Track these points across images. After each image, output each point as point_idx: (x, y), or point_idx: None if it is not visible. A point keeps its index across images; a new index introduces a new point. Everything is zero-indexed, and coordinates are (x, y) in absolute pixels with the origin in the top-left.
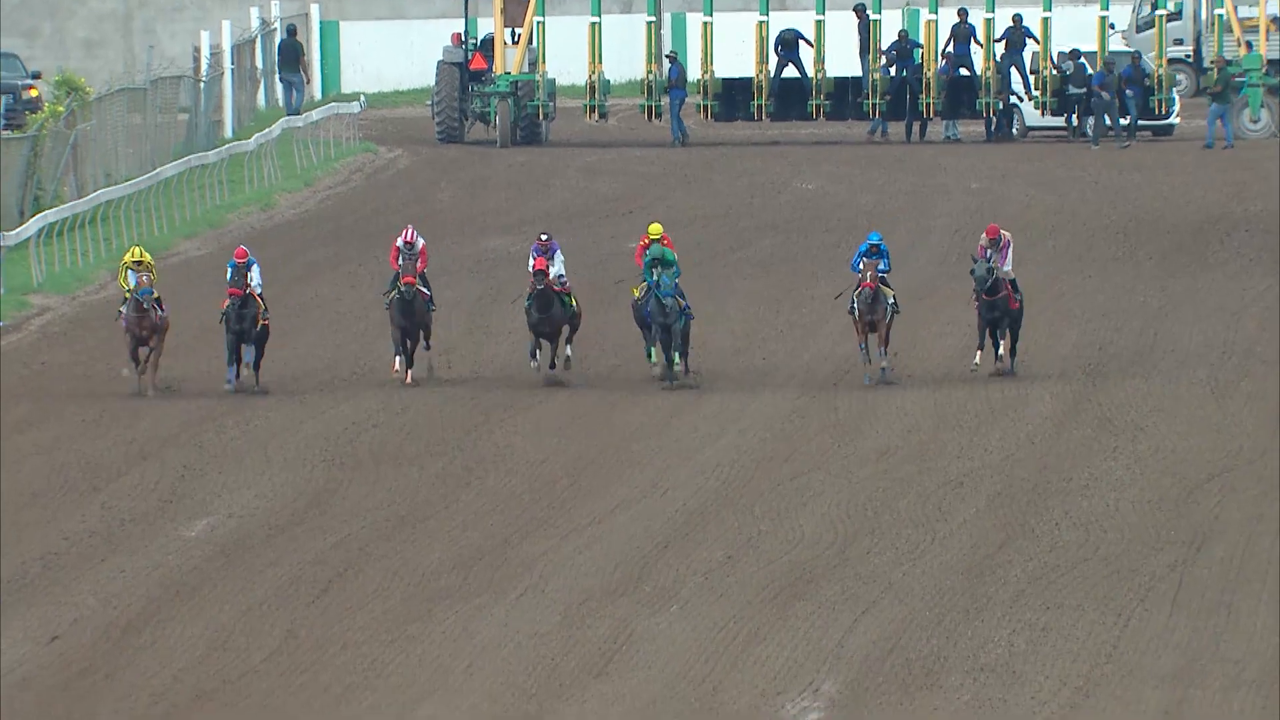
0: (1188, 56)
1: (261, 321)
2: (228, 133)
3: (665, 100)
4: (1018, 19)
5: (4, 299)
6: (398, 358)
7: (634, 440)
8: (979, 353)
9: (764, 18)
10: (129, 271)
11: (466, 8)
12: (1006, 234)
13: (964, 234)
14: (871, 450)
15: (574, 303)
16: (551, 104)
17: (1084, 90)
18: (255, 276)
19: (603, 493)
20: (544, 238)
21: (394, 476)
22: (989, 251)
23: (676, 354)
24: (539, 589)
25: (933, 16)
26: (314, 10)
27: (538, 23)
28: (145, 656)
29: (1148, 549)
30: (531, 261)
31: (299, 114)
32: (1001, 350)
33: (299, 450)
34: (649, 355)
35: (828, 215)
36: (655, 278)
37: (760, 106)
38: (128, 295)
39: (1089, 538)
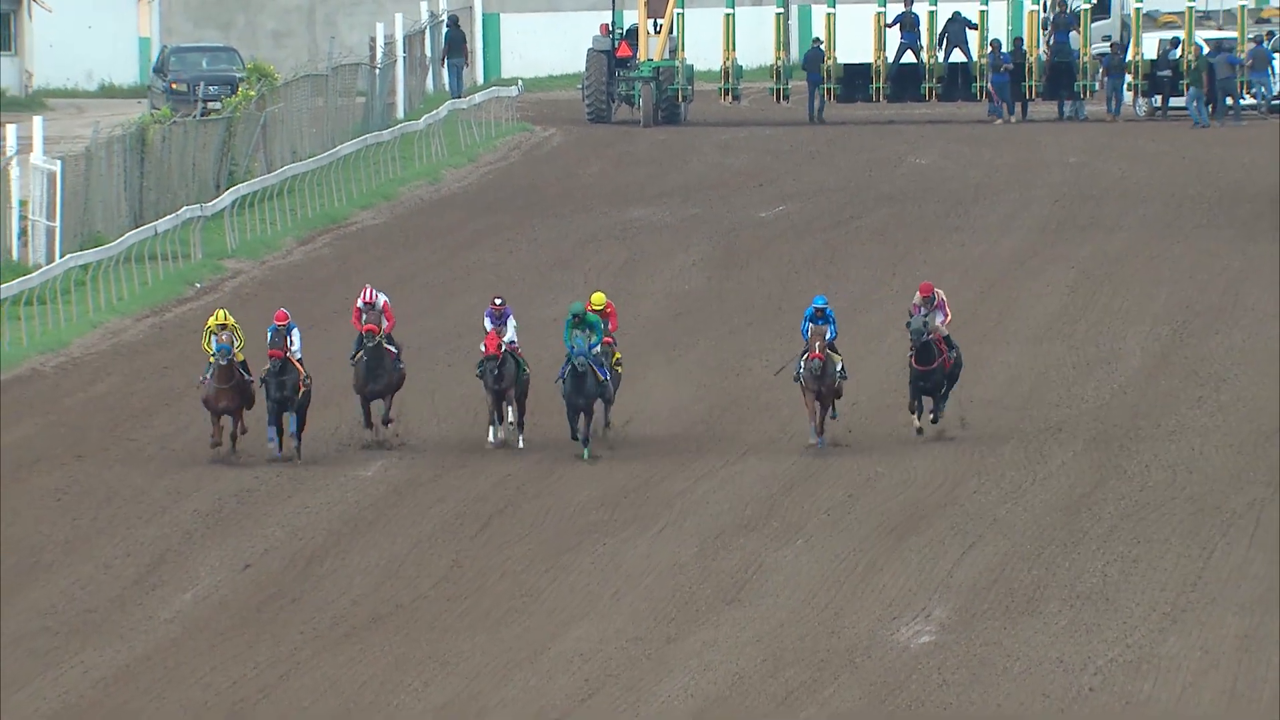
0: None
1: (302, 388)
2: (399, 114)
3: (793, 83)
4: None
5: (202, 263)
6: (368, 430)
7: (763, 390)
8: (915, 419)
9: (881, 9)
10: (213, 337)
11: (614, 1)
12: (940, 292)
13: (1063, 204)
14: (978, 399)
15: (526, 368)
16: (690, 87)
17: (1168, 73)
18: (296, 341)
19: (735, 438)
20: (498, 302)
21: (547, 424)
22: (922, 309)
23: (592, 433)
24: (678, 524)
25: (1034, 7)
26: (477, 3)
27: (677, 14)
28: (327, 583)
29: (1229, 489)
30: (485, 334)
31: (462, 97)
32: (929, 418)
33: (462, 400)
34: (574, 433)
35: (939, 187)
36: (573, 342)
37: (878, 89)
38: (211, 360)
39: (1176, 478)
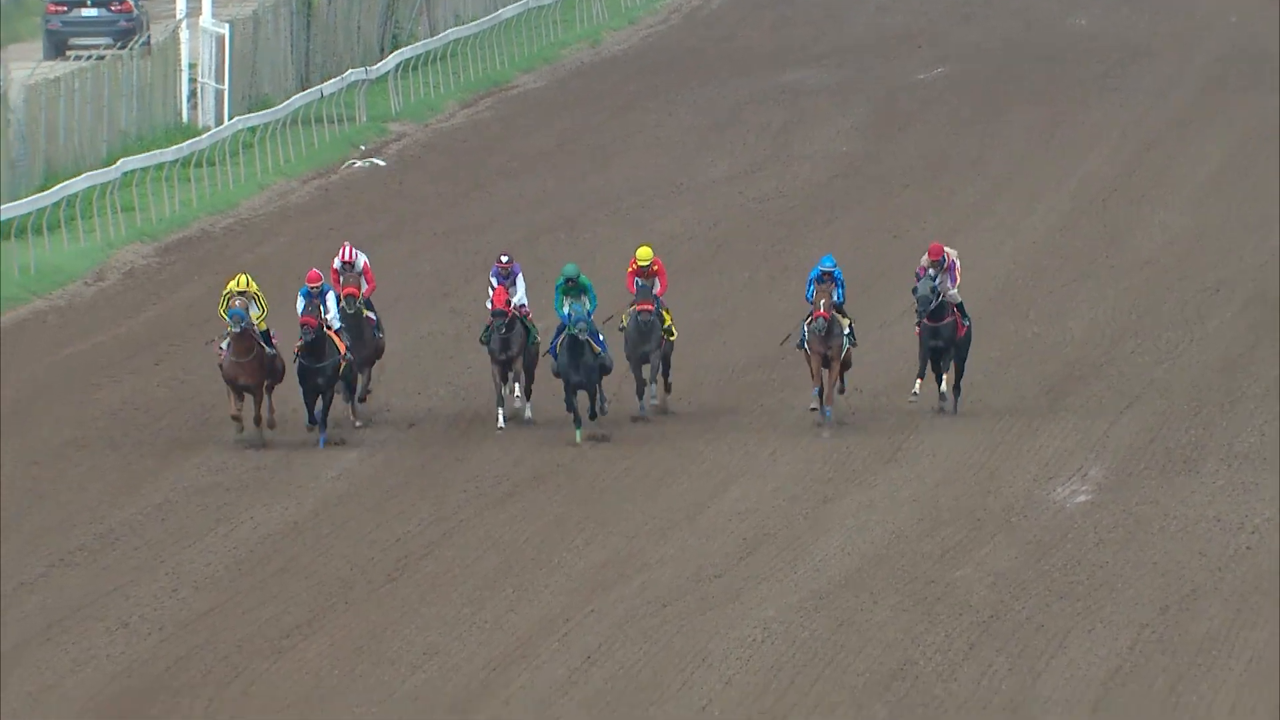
0: None
1: (343, 363)
2: None
3: None
4: None
5: (367, 126)
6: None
7: (918, 255)
8: (918, 381)
9: None
10: (229, 302)
11: None
12: (951, 252)
13: (1226, 63)
14: (1136, 260)
15: (535, 331)
16: None
17: None
18: (331, 308)
19: (891, 300)
20: (504, 260)
21: (703, 287)
22: (930, 271)
23: (589, 410)
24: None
25: None
26: None
27: None
28: (490, 445)
29: None
30: (491, 292)
31: None
32: (944, 385)
33: (619, 264)
34: (570, 410)
35: (1097, 48)
36: (566, 309)
37: None
38: (229, 330)
39: None
